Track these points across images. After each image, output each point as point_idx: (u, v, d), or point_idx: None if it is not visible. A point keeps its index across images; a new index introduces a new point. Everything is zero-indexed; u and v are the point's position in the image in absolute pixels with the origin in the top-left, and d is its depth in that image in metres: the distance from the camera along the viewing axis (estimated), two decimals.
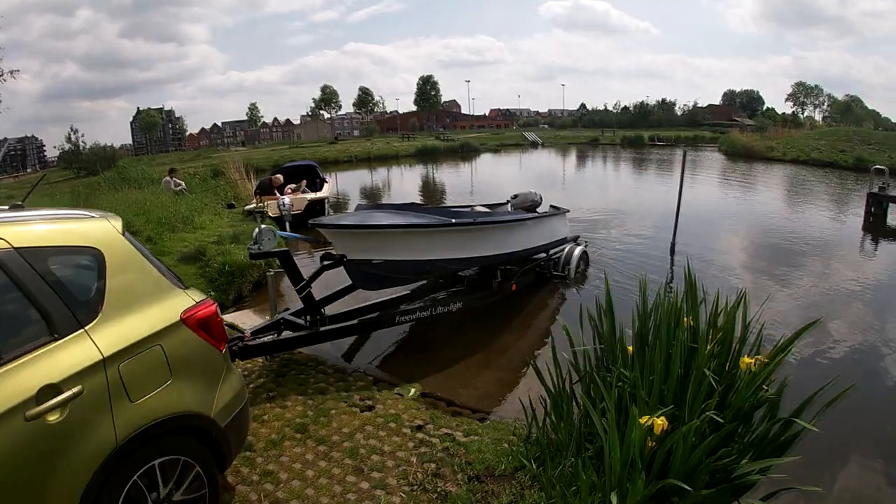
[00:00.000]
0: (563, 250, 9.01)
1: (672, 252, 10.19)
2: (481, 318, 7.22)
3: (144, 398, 2.66)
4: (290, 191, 15.32)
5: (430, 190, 26.38)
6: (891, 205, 14.68)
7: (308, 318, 6.03)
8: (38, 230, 2.65)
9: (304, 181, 16.11)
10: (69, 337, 2.48)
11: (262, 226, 5.90)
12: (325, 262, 5.96)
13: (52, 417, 2.31)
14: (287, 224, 13.01)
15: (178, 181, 16.58)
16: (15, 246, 2.46)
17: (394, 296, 7.32)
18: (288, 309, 6.28)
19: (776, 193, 20.85)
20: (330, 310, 6.44)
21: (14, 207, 3.03)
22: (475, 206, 8.75)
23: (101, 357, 2.51)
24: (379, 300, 7.08)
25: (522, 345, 6.65)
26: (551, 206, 9.61)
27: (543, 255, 8.73)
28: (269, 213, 12.97)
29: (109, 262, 2.76)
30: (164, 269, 3.09)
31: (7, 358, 2.28)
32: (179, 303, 3.00)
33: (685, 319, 3.92)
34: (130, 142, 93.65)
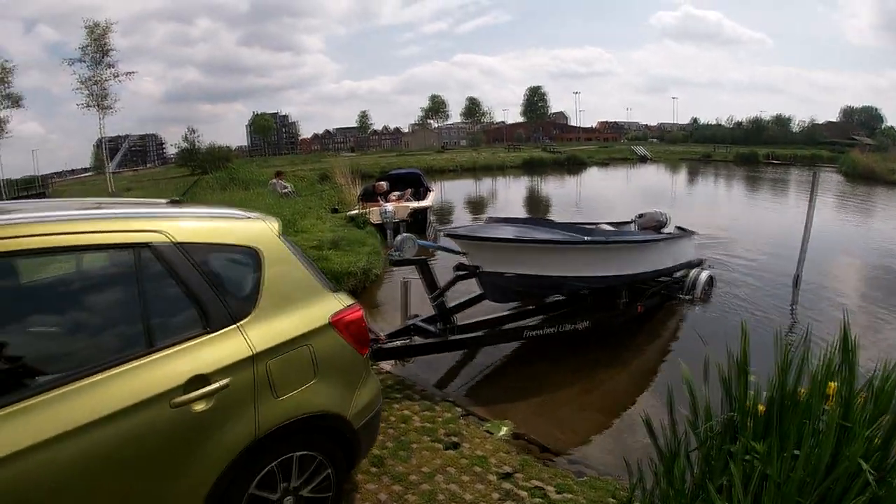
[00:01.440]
0: (689, 273, 8.45)
1: (796, 284, 9.09)
2: (585, 349, 6.63)
3: (288, 395, 2.75)
4: (394, 198, 15.32)
5: (535, 203, 25.81)
6: None
7: (439, 325, 6.08)
8: (198, 227, 2.75)
9: (409, 189, 16.06)
10: (222, 331, 2.58)
11: (404, 234, 6.18)
12: (459, 272, 5.97)
13: (198, 407, 2.42)
14: (388, 231, 13.04)
15: (285, 184, 16.93)
16: (176, 240, 2.56)
17: (518, 310, 7.33)
18: (418, 315, 6.31)
19: None
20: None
21: (173, 203, 3.10)
22: (600, 223, 8.24)
23: (251, 353, 2.61)
24: (504, 313, 7.12)
25: (631, 386, 5.97)
26: (677, 228, 8.90)
27: (668, 277, 8.24)
28: (372, 220, 13.01)
29: (266, 261, 2.85)
30: (317, 273, 3.16)
31: (161, 346, 2.40)
32: (329, 306, 3.06)
33: (831, 385, 3.20)
34: (246, 144, 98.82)
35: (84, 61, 34.98)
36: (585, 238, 6.23)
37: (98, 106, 35.83)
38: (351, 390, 3.12)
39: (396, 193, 15.65)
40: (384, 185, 15.65)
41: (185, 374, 2.39)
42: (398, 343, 5.61)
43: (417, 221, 13.74)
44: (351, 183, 19.52)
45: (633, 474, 3.46)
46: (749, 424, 3.26)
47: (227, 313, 2.62)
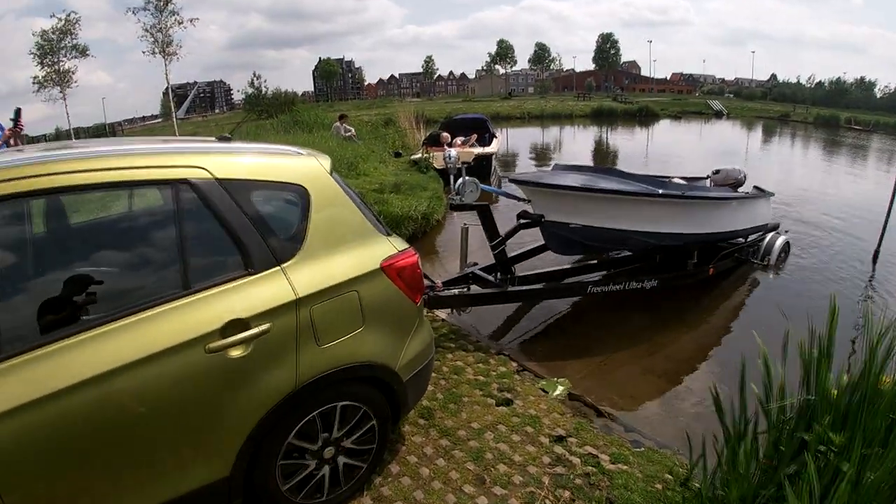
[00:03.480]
0: (764, 237, 7.96)
1: (875, 259, 8.41)
2: (649, 309, 6.28)
3: (332, 343, 2.63)
4: (458, 143, 14.98)
5: (603, 154, 24.99)
6: None
7: (498, 275, 5.86)
8: (241, 162, 2.61)
9: (474, 135, 15.67)
10: (264, 273, 2.46)
11: (466, 177, 5.89)
12: (522, 221, 5.72)
13: (235, 353, 2.33)
14: (451, 177, 12.78)
15: (349, 127, 16.78)
16: (217, 177, 2.44)
17: (582, 264, 7.06)
18: (477, 263, 6.07)
19: None
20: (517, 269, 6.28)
21: (222, 139, 3.01)
22: (672, 177, 7.77)
23: (294, 297, 2.48)
24: (567, 266, 6.89)
25: (695, 352, 5.59)
26: (755, 188, 8.31)
27: (742, 239, 7.75)
28: (435, 165, 12.83)
29: (314, 201, 2.69)
30: (369, 214, 2.98)
31: (197, 288, 2.30)
32: (381, 250, 2.89)
33: None
34: (311, 89, 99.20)
35: (148, 9, 35.76)
36: (659, 191, 5.78)
37: (163, 53, 36.59)
38: (401, 340, 2.98)
39: (461, 139, 15.30)
40: (448, 136, 15.29)
41: (223, 318, 2.29)
42: (455, 291, 5.38)
43: (481, 167, 13.37)
44: (415, 127, 19.25)
45: (693, 450, 3.21)
46: (829, 412, 2.94)
47: (269, 254, 2.49)
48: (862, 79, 71.64)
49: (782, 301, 6.91)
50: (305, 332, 2.52)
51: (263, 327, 2.37)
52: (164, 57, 36.60)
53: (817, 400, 2.99)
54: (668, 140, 33.22)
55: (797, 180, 16.95)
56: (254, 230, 2.47)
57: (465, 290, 5.47)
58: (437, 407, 4.01)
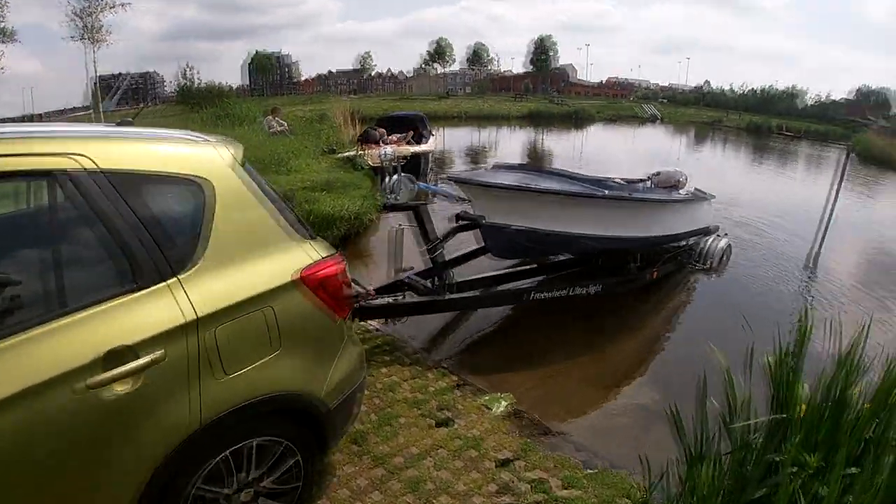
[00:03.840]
0: (706, 240, 7.94)
1: (813, 262, 8.58)
2: (592, 315, 6.03)
3: (242, 371, 2.18)
4: (394, 140, 14.55)
5: (538, 155, 25.14)
6: None
7: (434, 281, 5.44)
8: (133, 150, 2.16)
9: (410, 132, 15.28)
10: (155, 287, 2.01)
11: (400, 175, 5.46)
12: (461, 223, 5.43)
13: (121, 388, 1.88)
14: (386, 175, 12.37)
15: (281, 121, 16.05)
16: (101, 167, 1.98)
17: (522, 268, 6.77)
18: (412, 268, 5.64)
19: None
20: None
21: (123, 124, 2.62)
22: (613, 178, 7.61)
23: (193, 316, 2.03)
24: (507, 271, 6.59)
25: (645, 359, 5.43)
26: (695, 190, 8.24)
27: (684, 242, 7.73)
28: (369, 162, 12.35)
29: (219, 198, 2.23)
30: (287, 215, 2.53)
31: (71, 307, 1.85)
32: (300, 257, 2.45)
33: None
34: (246, 83, 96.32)
35: None
36: (605, 192, 5.60)
37: (91, 39, 34.23)
38: (325, 363, 2.55)
39: (396, 136, 14.87)
40: (384, 131, 14.84)
41: (104, 345, 1.84)
42: (388, 300, 4.98)
43: (416, 166, 13.07)
44: (349, 124, 18.67)
45: (649, 471, 2.94)
46: (800, 431, 2.71)
47: (164, 263, 2.03)
48: (792, 87, 74.48)
49: (726, 304, 6.88)
50: (208, 359, 2.08)
51: (155, 355, 1.93)
52: (91, 43, 34.32)
53: (789, 418, 2.77)
54: (603, 142, 33.99)
55: (731, 183, 17.31)
56: (145, 233, 2.02)
57: (400, 298, 5.10)
58: (370, 430, 3.60)
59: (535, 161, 22.17)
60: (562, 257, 7.03)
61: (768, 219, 11.54)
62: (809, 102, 71.79)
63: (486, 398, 4.15)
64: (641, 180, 8.47)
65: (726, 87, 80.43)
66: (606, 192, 5.63)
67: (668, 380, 4.90)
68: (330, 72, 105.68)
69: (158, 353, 1.94)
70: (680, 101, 76.02)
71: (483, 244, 5.68)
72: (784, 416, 2.74)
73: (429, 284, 5.35)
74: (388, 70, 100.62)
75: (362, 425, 3.62)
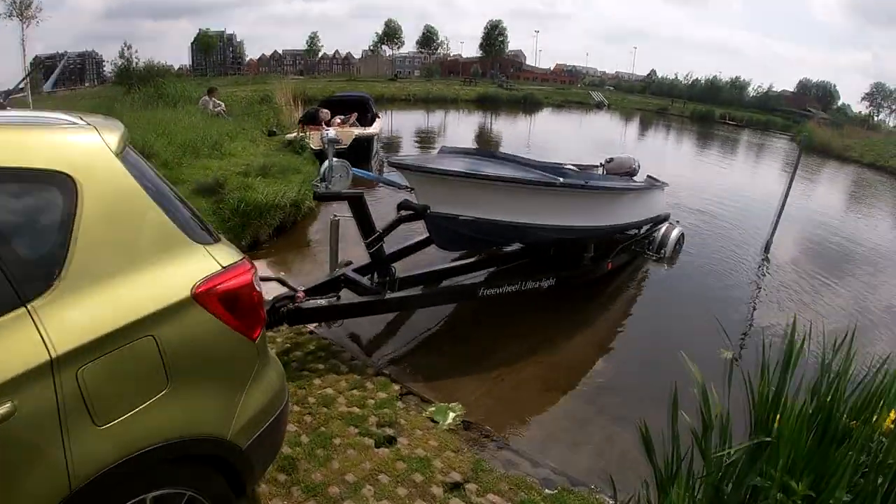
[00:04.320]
0: (659, 229, 7.68)
1: (767, 250, 8.48)
2: (545, 311, 5.66)
3: (120, 419, 1.72)
4: (338, 122, 13.89)
5: (486, 139, 24.83)
6: None
7: (375, 276, 5.01)
8: None
9: (355, 114, 14.65)
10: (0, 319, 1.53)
11: (335, 160, 4.93)
12: (403, 213, 4.89)
13: None
14: (328, 159, 11.77)
15: (218, 102, 15.21)
16: None
17: (468, 261, 6.31)
18: (351, 262, 5.12)
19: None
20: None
21: None
22: (565, 164, 7.24)
23: (48, 356, 1.55)
24: (453, 264, 6.12)
25: (601, 360, 5.06)
26: (648, 177, 7.98)
27: (636, 231, 7.43)
28: (311, 145, 11.79)
29: (87, 199, 1.72)
30: (182, 214, 2.06)
31: None
32: (194, 269, 1.94)
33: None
34: (189, 63, 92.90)
35: None
36: (560, 179, 5.17)
37: (20, 16, 32.40)
38: (232, 396, 2.08)
39: (340, 118, 14.21)
40: (327, 112, 14.13)
41: None
42: (321, 301, 4.42)
43: (361, 149, 12.48)
44: (292, 105, 17.90)
45: (615, 493, 2.58)
46: (787, 454, 2.38)
47: (9, 288, 1.56)
48: (737, 78, 76.26)
49: (684, 295, 6.66)
50: (74, 407, 1.60)
51: (3, 409, 1.47)
52: (21, 21, 32.31)
53: (774, 439, 2.43)
54: (552, 127, 33.93)
55: (678, 170, 17.31)
56: None
57: (335, 299, 4.54)
58: (301, 455, 3.13)
59: (485, 146, 21.80)
60: (512, 248, 6.65)
61: (717, 206, 11.49)
62: (752, 93, 74.13)
63: (433, 409, 3.74)
64: (594, 167, 8.17)
65: (672, 77, 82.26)
66: (561, 179, 5.22)
67: (629, 381, 4.62)
68: (276, 53, 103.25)
69: (6, 407, 1.47)
70: (627, 89, 77.39)
71: (428, 235, 5.21)
72: (766, 438, 2.39)
73: (368, 281, 4.88)
74: (336, 52, 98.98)
75: (292, 449, 3.16)
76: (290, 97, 18.81)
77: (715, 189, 13.90)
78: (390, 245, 5.31)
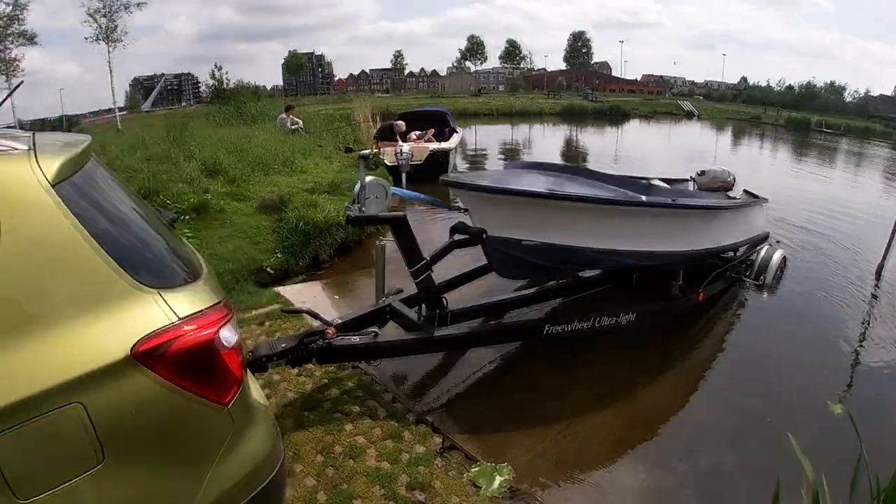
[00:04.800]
0: (758, 251, 6.69)
1: (879, 276, 7.35)
2: (621, 343, 4.87)
3: (44, 495, 1.41)
4: (413, 137, 13.62)
5: (572, 152, 24.16)
6: None
7: (424, 310, 4.40)
8: None
9: (432, 129, 14.34)
10: None
11: (369, 177, 4.30)
12: (457, 237, 4.40)
13: None
14: (403, 175, 11.34)
15: (295, 119, 15.29)
16: None
17: (533, 290, 5.55)
18: (401, 291, 4.57)
19: None
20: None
21: None
22: (651, 178, 6.51)
23: None
24: (514, 295, 5.37)
25: (691, 415, 4.24)
26: (745, 192, 7.09)
27: (732, 254, 6.54)
28: (385, 161, 11.46)
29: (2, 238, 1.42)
30: (142, 250, 1.80)
31: None
32: (139, 321, 1.57)
33: None
34: (280, 83, 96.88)
35: None
36: (643, 198, 4.49)
37: (106, 39, 34.54)
38: (195, 473, 1.67)
39: (417, 133, 13.93)
40: (402, 124, 13.87)
41: None
42: (355, 339, 3.87)
43: (438, 165, 12.04)
44: (370, 121, 17.83)
45: None
46: None
47: None
48: (832, 83, 72.39)
49: (781, 332, 5.76)
50: None
51: None
52: (107, 44, 34.60)
53: None
54: (639, 139, 32.77)
55: (774, 181, 15.93)
56: None
57: (373, 335, 3.95)
58: None
59: (571, 159, 21.08)
60: (588, 274, 5.92)
61: (823, 223, 10.28)
62: (848, 98, 69.73)
63: (476, 470, 3.17)
64: (684, 180, 7.37)
65: (763, 84, 78.39)
66: (644, 197, 4.54)
67: (720, 445, 3.80)
68: (363, 72, 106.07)
69: None
70: (717, 97, 74.26)
71: (486, 262, 4.55)
72: None
73: (415, 315, 4.33)
74: (421, 69, 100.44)
75: None
76: (370, 113, 18.78)
77: (815, 203, 12.56)
78: (445, 271, 4.76)
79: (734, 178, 7.03)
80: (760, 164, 22.10)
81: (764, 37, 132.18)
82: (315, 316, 3.91)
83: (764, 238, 6.94)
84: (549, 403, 4.10)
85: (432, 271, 4.31)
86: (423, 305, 4.42)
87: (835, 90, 71.48)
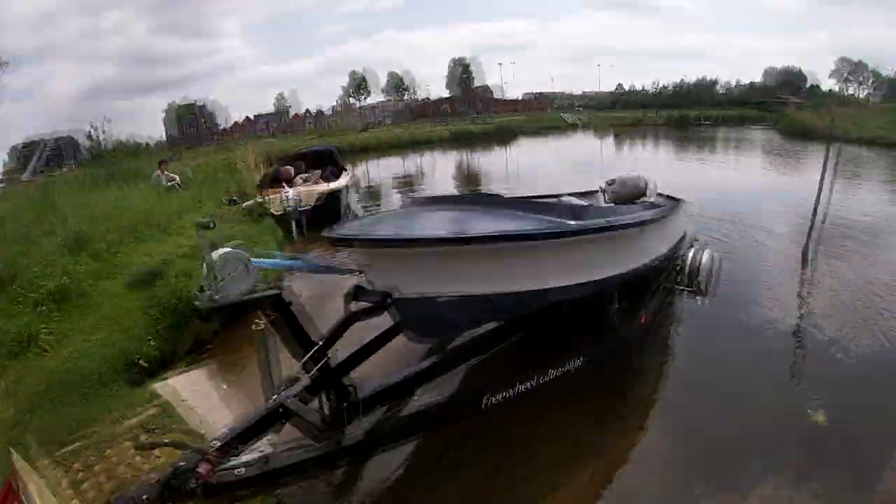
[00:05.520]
0: (686, 256, 6.20)
1: (805, 262, 7.34)
2: (570, 392, 4.26)
3: None
4: (300, 181, 12.77)
5: (466, 175, 24.27)
6: None
7: (327, 400, 3.50)
8: None
9: (319, 171, 13.57)
10: None
11: (222, 251, 3.35)
12: (357, 306, 3.51)
13: None
14: (294, 224, 10.44)
15: (171, 175, 14.06)
16: None
17: (455, 346, 4.62)
18: (298, 380, 3.55)
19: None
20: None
21: None
22: (562, 195, 6.03)
23: None
24: (432, 361, 4.34)
25: (667, 472, 3.71)
26: (659, 195, 6.73)
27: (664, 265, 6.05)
28: (272, 211, 10.53)
29: None
30: None
31: None
32: None
33: None
34: (164, 138, 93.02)
35: None
36: (572, 223, 3.85)
37: None
38: None
39: (304, 176, 13.12)
40: (290, 169, 12.99)
41: None
42: (241, 470, 3.01)
43: (331, 208, 11.26)
44: (254, 168, 16.85)
45: None
46: None
47: None
48: (703, 78, 77.45)
49: (730, 338, 5.46)
50: None
51: None
52: None
53: None
54: (529, 155, 33.50)
55: (677, 177, 16.31)
56: None
57: (263, 461, 3.09)
58: None
59: (466, 182, 20.88)
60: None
61: (735, 213, 10.43)
62: (721, 90, 75.00)
63: None
64: (593, 192, 7.01)
65: (639, 88, 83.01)
66: (574, 222, 3.90)
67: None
68: (248, 118, 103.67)
69: None
70: (597, 106, 77.55)
71: (394, 325, 3.88)
72: None
73: (317, 416, 3.45)
74: (306, 111, 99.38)
75: None
76: (253, 160, 17.78)
77: (729, 192, 12.95)
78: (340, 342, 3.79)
79: (646, 183, 6.63)
80: (655, 162, 23.04)
81: (634, 44, 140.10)
82: (181, 446, 3.03)
83: (686, 239, 6.57)
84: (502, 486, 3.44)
85: (328, 357, 3.48)
86: (326, 395, 3.55)
87: (706, 84, 76.52)
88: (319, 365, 3.40)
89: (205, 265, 3.25)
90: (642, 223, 4.79)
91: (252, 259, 3.43)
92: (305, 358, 3.37)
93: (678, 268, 6.20)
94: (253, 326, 3.54)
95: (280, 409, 3.34)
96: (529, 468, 3.73)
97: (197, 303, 3.37)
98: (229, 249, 3.35)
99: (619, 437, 3.94)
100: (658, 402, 4.49)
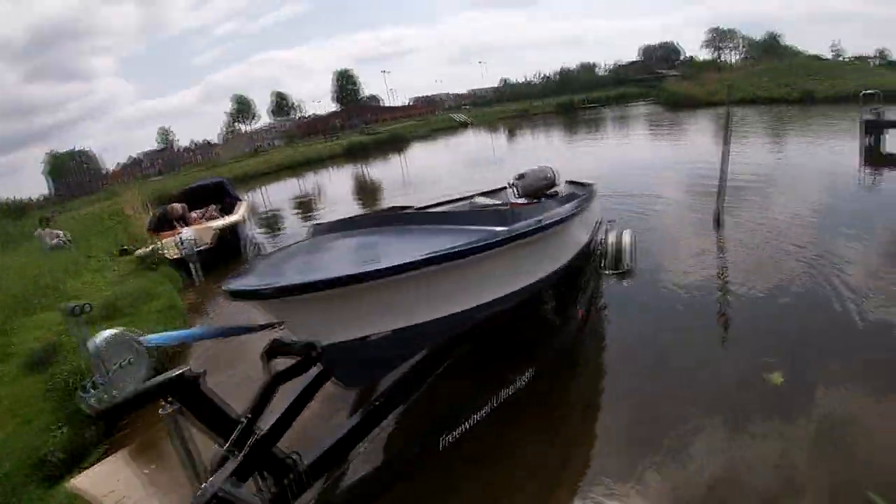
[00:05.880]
0: (606, 239, 6.34)
1: (718, 223, 7.88)
2: (517, 410, 4.12)
3: None
4: (194, 219, 12.31)
5: (365, 188, 24.14)
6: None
7: (264, 479, 3.06)
8: None
9: (213, 205, 13.16)
10: None
11: (103, 334, 2.64)
12: (279, 366, 3.16)
13: None
14: (193, 268, 9.85)
15: (55, 232, 13.31)
16: None
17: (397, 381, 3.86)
18: (227, 459, 2.99)
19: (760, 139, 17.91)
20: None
21: None
22: (473, 196, 6.12)
23: None
24: (374, 406, 3.64)
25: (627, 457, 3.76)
26: (569, 183, 6.90)
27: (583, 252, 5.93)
28: (168, 255, 9.96)
29: None
30: None
31: None
32: None
33: None
34: (46, 191, 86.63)
35: None
36: (500, 230, 3.63)
37: None
38: None
39: (197, 213, 12.65)
40: (178, 207, 12.40)
41: None
42: None
43: (229, 245, 10.91)
44: (143, 210, 16.13)
45: None
46: None
47: None
48: (584, 63, 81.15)
49: (665, 313, 5.63)
50: None
51: None
52: None
53: None
54: (424, 159, 33.83)
55: (575, 162, 17.02)
56: None
57: None
58: None
59: (366, 195, 20.79)
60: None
61: (638, 186, 11.08)
62: (601, 73, 78.22)
63: None
64: (501, 189, 7.13)
65: (522, 80, 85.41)
66: (501, 228, 3.66)
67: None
68: (132, 157, 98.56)
69: None
70: (483, 103, 79.29)
71: (323, 376, 3.40)
72: None
73: (258, 501, 2.97)
74: (192, 141, 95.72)
75: None
76: (140, 203, 17.04)
77: (628, 167, 13.67)
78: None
79: (554, 173, 6.79)
80: (550, 149, 23.85)
81: (514, 39, 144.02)
82: None
83: (601, 223, 6.66)
84: None
85: (257, 432, 3.02)
86: (262, 475, 3.08)
87: (588, 69, 79.87)
88: (249, 442, 2.97)
89: (92, 345, 2.60)
90: (571, 216, 4.73)
91: (144, 337, 2.80)
92: (230, 441, 2.93)
93: (600, 252, 6.30)
94: (160, 411, 2.83)
95: (214, 501, 2.79)
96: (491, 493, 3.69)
97: (85, 405, 2.64)
98: (114, 332, 2.69)
99: (576, 446, 3.96)
100: (608, 392, 4.54)
